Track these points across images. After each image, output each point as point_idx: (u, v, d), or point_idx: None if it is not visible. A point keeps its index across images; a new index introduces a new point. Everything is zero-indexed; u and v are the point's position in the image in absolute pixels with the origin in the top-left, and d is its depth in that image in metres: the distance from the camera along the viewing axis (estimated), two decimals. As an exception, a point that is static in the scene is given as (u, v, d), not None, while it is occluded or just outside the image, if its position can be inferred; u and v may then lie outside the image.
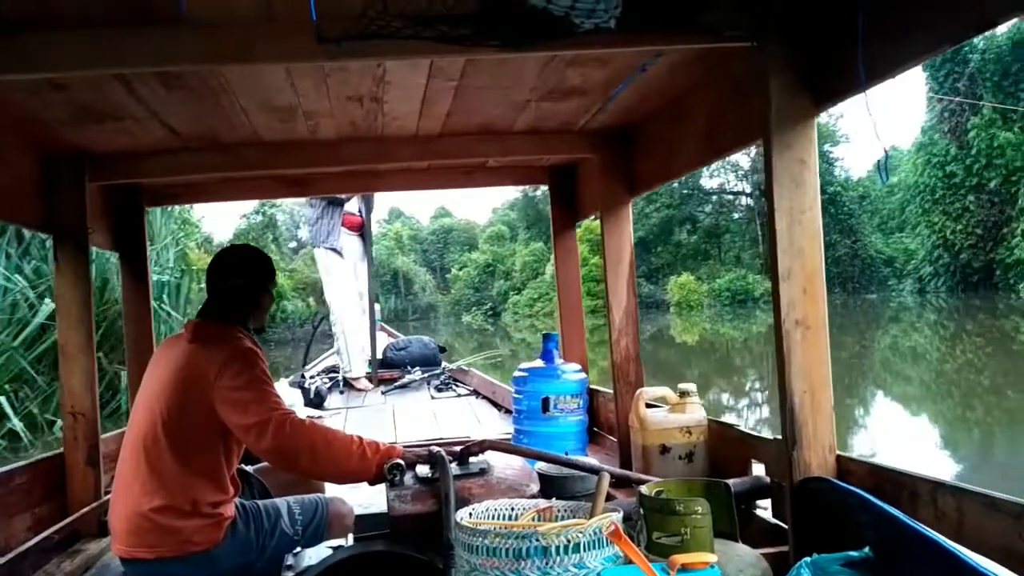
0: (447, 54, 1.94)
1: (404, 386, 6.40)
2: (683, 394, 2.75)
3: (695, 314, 38.92)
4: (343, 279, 6.53)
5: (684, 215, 51.22)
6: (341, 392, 6.51)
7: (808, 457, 1.88)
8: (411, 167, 3.78)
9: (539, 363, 3.56)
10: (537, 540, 1.44)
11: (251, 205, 50.83)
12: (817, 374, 1.90)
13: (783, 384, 1.88)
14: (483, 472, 2.25)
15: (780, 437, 1.99)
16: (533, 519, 1.71)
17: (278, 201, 39.10)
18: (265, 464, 2.68)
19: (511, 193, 62.40)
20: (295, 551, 2.31)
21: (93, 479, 2.98)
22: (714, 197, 53.20)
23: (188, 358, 2.30)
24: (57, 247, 2.99)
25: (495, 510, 1.77)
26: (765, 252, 49.23)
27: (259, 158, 3.17)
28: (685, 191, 50.57)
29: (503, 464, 2.37)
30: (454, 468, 2.22)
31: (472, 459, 2.32)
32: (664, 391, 2.83)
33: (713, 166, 42.84)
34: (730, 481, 2.07)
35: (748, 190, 51.00)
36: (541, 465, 2.51)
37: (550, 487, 2.33)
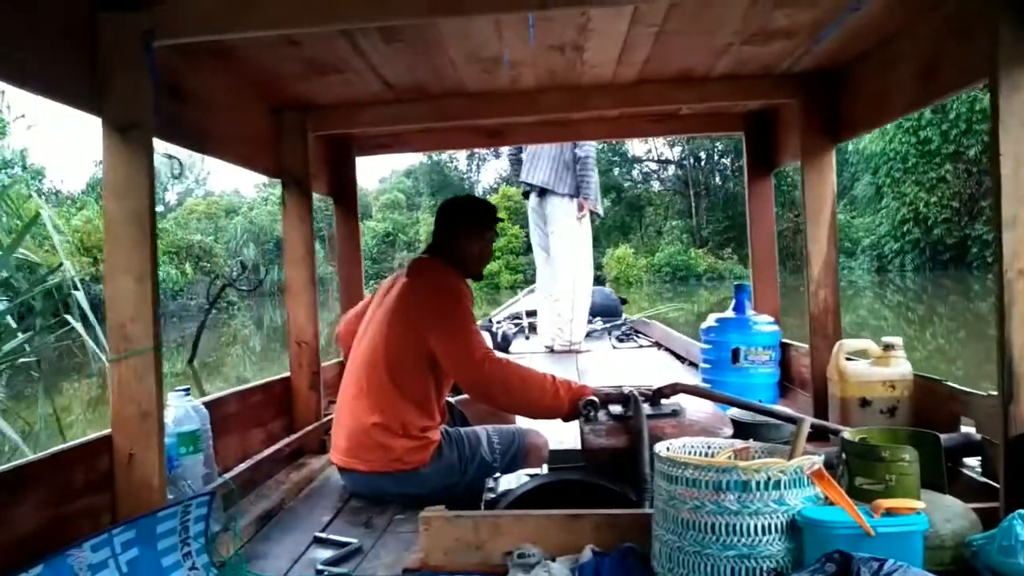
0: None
1: (586, 335, 6.52)
2: (887, 347, 2.65)
3: (635, 291, 33.72)
4: (585, 238, 5.98)
5: (610, 183, 45.44)
6: (527, 338, 6.73)
7: (1027, 413, 1.78)
8: (603, 115, 3.81)
9: (730, 313, 3.54)
10: (738, 474, 1.48)
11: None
12: None
13: (1002, 336, 1.79)
14: (675, 413, 2.30)
15: (995, 393, 1.90)
16: (730, 458, 1.75)
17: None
18: (466, 396, 2.87)
19: (402, 163, 58.40)
20: (495, 476, 2.48)
21: (315, 402, 3.30)
22: (642, 165, 47.83)
23: (405, 292, 2.53)
24: (285, 192, 3.30)
25: (692, 447, 1.82)
26: (698, 225, 44.15)
27: (462, 109, 3.30)
28: (612, 157, 45.72)
29: (695, 408, 2.41)
30: (646, 408, 2.29)
31: (664, 401, 2.38)
32: (867, 343, 2.75)
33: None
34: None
35: (676, 158, 46.06)
36: (733, 411, 2.52)
37: (743, 433, 2.34)
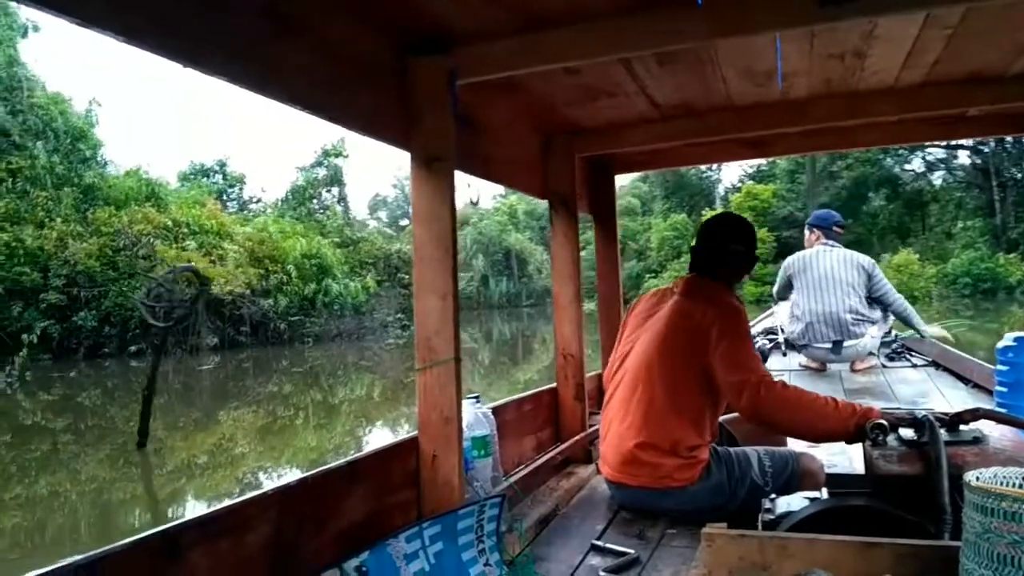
0: (954, 3, 1.85)
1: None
2: None
3: (921, 307, 25.64)
4: None
5: (883, 175, 37.29)
6: (784, 354, 6.46)
7: None
8: (879, 122, 3.60)
9: (1032, 332, 3.19)
10: (1067, 511, 1.36)
11: (309, 157, 40.78)
12: None
13: None
14: (977, 441, 2.13)
15: None
16: (1051, 492, 1.60)
17: (344, 151, 32.71)
18: (734, 415, 2.83)
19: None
20: (771, 498, 2.43)
21: (580, 412, 3.42)
22: (924, 152, 38.09)
23: (682, 312, 2.54)
24: (552, 212, 3.46)
25: (1004, 477, 1.68)
26: (1004, 224, 35.30)
27: (727, 122, 3.26)
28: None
29: (998, 435, 2.22)
30: (943, 434, 2.14)
31: (962, 427, 2.21)
32: None
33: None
34: None
35: (971, 142, 35.26)
36: (1044, 441, 2.29)
37: None
